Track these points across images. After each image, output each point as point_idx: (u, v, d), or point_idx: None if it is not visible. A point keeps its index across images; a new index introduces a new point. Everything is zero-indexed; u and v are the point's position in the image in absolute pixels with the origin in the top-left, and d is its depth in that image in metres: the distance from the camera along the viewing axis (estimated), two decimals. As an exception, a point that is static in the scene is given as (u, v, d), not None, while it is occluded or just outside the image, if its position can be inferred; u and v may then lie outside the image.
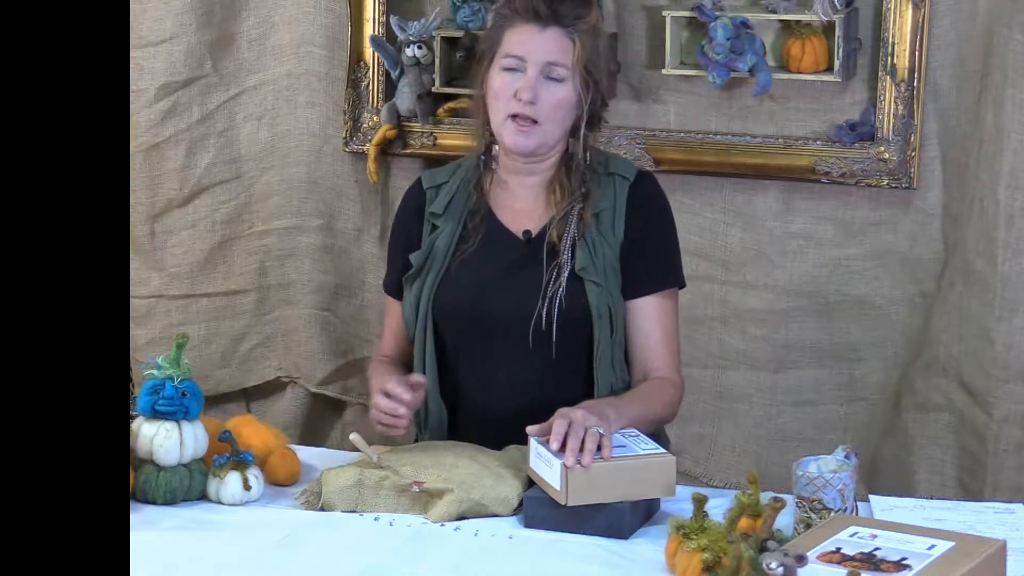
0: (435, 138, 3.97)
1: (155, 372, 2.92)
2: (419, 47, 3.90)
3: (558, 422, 2.81)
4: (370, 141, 3.98)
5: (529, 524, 2.79)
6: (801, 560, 2.29)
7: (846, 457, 2.73)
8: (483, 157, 3.16)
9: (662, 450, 2.84)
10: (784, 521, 2.61)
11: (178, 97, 4.07)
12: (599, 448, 2.77)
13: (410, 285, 3.15)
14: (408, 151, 4.00)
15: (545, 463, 2.79)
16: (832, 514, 2.65)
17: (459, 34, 3.86)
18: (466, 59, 3.81)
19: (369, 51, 3.97)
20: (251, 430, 3.03)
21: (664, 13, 3.77)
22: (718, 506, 2.69)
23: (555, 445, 2.77)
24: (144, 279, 4.14)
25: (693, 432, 3.94)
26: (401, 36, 3.91)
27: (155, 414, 2.90)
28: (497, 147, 3.15)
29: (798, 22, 3.71)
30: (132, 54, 3.99)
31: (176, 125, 4.09)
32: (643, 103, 3.89)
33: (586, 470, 2.74)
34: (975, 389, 3.68)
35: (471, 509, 2.83)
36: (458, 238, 3.13)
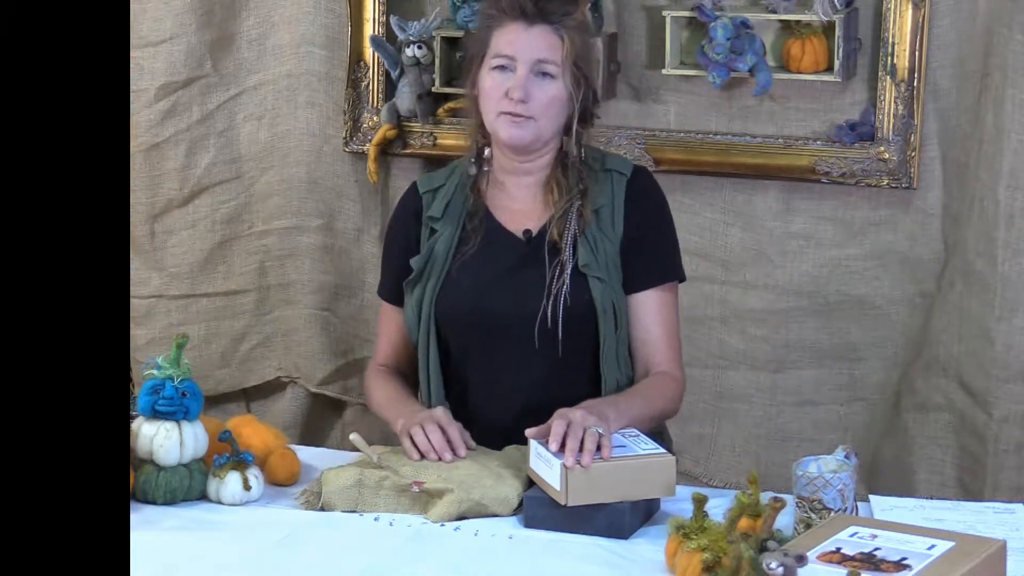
0: (435, 138, 3.97)
1: (155, 372, 2.92)
2: (419, 47, 3.90)
3: (557, 423, 2.81)
4: (370, 141, 3.98)
5: (529, 524, 2.79)
6: (801, 560, 2.29)
7: (846, 457, 2.73)
8: (472, 160, 3.16)
9: (662, 450, 2.84)
10: (784, 521, 2.61)
11: (178, 97, 4.07)
12: (599, 448, 2.77)
13: (411, 290, 3.15)
14: (408, 151, 4.00)
15: (545, 463, 2.79)
16: (832, 514, 2.65)
17: (459, 34, 3.86)
18: (466, 59, 3.81)
19: (369, 51, 3.97)
20: (251, 430, 3.03)
21: (664, 13, 3.77)
22: (718, 506, 2.69)
23: (554, 446, 2.77)
24: (144, 279, 4.14)
25: (693, 432, 3.94)
26: (401, 36, 3.91)
27: (155, 414, 2.90)
28: (490, 149, 3.15)
29: (798, 22, 3.71)
30: (132, 54, 3.99)
31: (176, 125, 4.09)
32: (643, 103, 3.89)
33: (586, 470, 2.74)
34: (975, 389, 3.68)
35: (471, 509, 2.83)
36: (457, 241, 3.13)
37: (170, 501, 2.89)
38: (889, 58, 3.68)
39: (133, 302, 4.06)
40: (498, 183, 3.17)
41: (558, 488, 2.75)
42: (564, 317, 3.04)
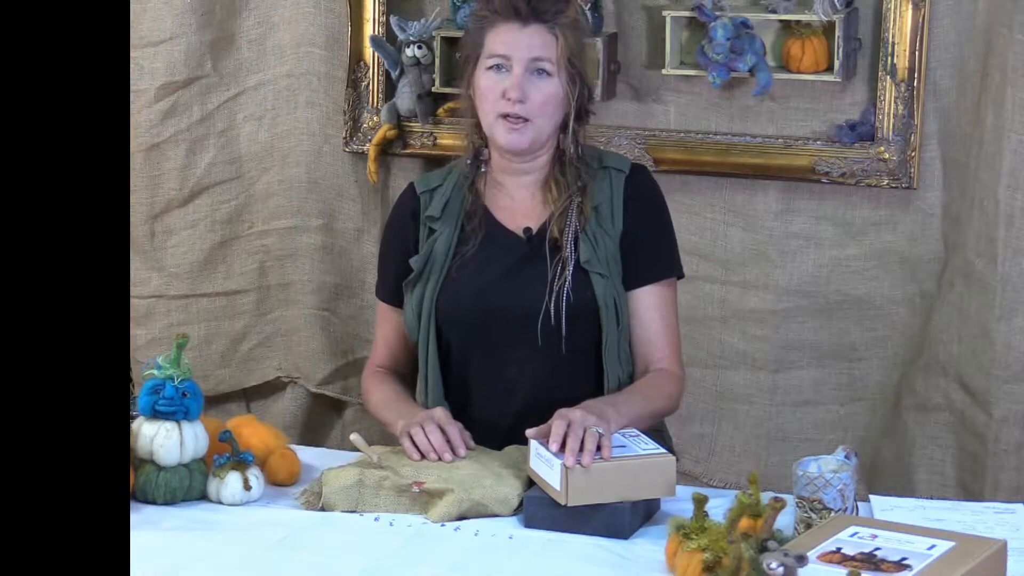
0: (435, 138, 3.97)
1: (155, 372, 2.92)
2: (419, 47, 3.90)
3: (557, 423, 2.81)
4: (370, 141, 3.98)
5: (529, 524, 2.79)
6: (801, 560, 2.29)
7: (846, 457, 2.73)
8: (469, 161, 3.16)
9: (662, 450, 2.84)
10: (784, 521, 2.61)
11: (178, 97, 4.07)
12: (599, 448, 2.77)
13: (411, 290, 3.15)
14: (408, 151, 4.00)
15: (545, 463, 2.79)
16: (832, 514, 2.65)
17: (459, 34, 3.85)
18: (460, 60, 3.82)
19: (369, 51, 3.97)
20: (251, 430, 3.03)
21: (664, 13, 3.77)
22: (718, 506, 2.69)
23: (555, 446, 2.77)
24: (144, 279, 4.14)
25: (693, 432, 3.94)
26: (401, 36, 3.91)
27: (155, 414, 2.90)
28: (487, 149, 3.15)
29: (798, 22, 3.71)
30: (132, 54, 3.99)
31: (176, 125, 4.08)
32: (643, 103, 3.89)
33: (586, 470, 2.74)
34: (975, 389, 3.68)
35: (471, 509, 2.83)
36: (457, 241, 3.13)
37: (170, 501, 2.89)
38: (889, 58, 3.68)
39: (133, 302, 4.06)
40: (496, 183, 3.17)
41: (558, 488, 2.75)
42: (567, 314, 3.04)
